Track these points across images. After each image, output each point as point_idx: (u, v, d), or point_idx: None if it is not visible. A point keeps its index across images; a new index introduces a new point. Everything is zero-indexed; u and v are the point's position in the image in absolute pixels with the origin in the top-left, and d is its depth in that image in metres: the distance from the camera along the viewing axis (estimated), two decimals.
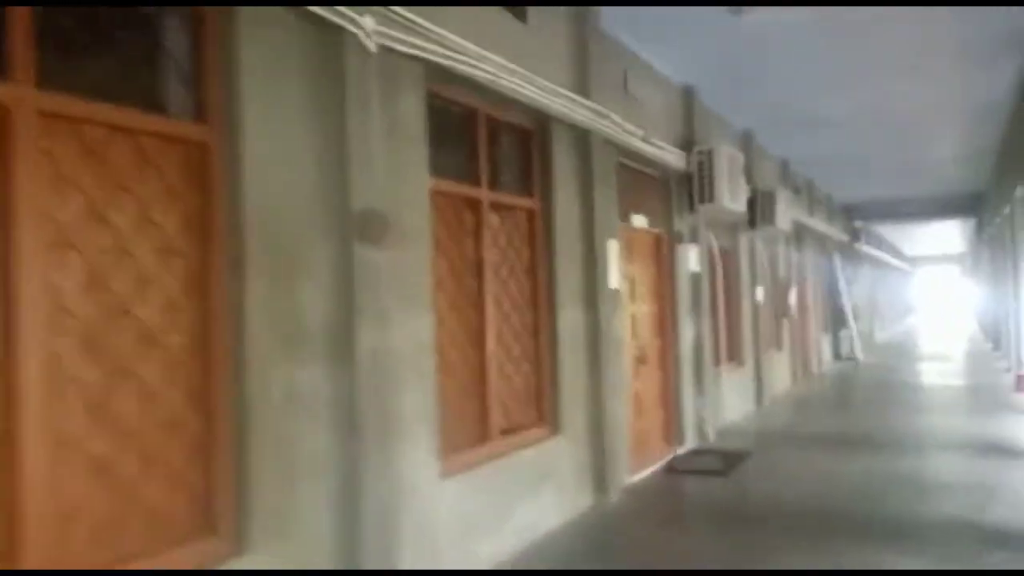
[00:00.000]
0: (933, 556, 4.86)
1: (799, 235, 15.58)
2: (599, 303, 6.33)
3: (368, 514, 3.73)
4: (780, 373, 13.04)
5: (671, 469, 7.54)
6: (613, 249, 6.76)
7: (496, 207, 5.49)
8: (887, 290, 33.82)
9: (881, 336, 27.96)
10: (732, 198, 8.65)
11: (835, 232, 19.13)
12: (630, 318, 7.66)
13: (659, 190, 8.44)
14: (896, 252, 37.61)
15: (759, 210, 11.15)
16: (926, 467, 7.28)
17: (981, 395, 12.20)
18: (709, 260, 9.79)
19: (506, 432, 5.38)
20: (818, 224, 16.56)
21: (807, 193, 16.28)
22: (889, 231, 29.64)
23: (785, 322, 13.66)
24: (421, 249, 4.35)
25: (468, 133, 5.19)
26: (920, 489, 6.48)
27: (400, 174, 4.20)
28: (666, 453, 8.02)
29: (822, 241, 18.08)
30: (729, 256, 10.89)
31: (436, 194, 4.67)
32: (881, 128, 11.72)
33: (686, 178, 8.61)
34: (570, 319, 6.03)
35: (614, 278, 6.73)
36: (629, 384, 7.44)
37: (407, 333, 4.17)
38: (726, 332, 10.57)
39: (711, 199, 8.50)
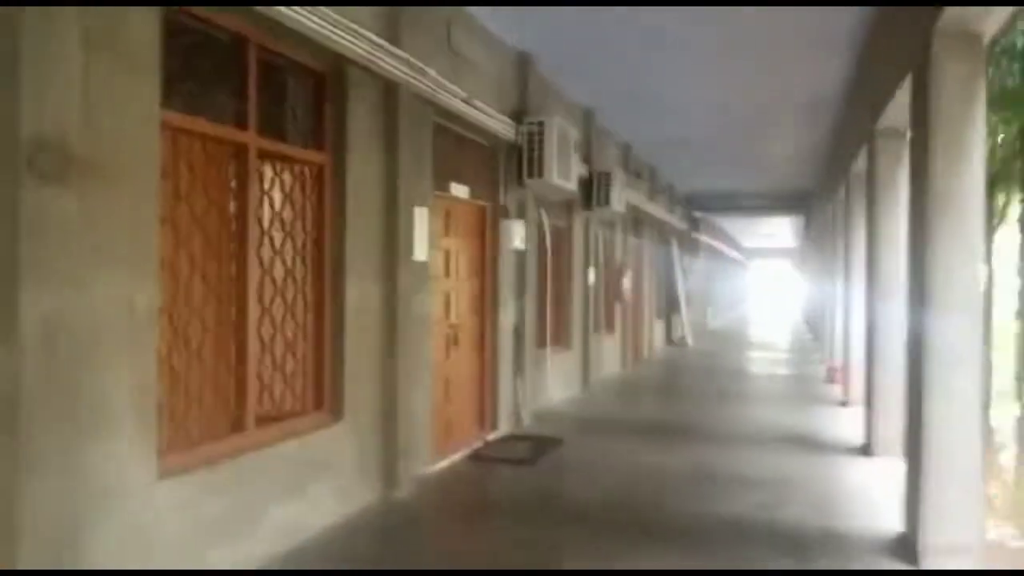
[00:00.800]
0: (719, 559, 4.60)
1: (637, 221, 15.60)
2: (399, 276, 5.68)
3: (36, 530, 2.91)
4: (610, 357, 12.95)
5: (478, 457, 7.04)
6: (422, 218, 6.12)
7: (271, 157, 4.70)
8: (723, 280, 35.36)
9: (714, 323, 29.11)
10: (562, 174, 8.23)
11: (674, 220, 19.44)
12: (443, 295, 7.08)
13: (486, 160, 7.88)
14: (734, 244, 39.41)
15: (595, 191, 10.88)
16: (733, 460, 7.18)
17: (797, 385, 12.61)
18: (539, 238, 9.37)
19: (272, 420, 4.64)
20: (657, 211, 16.68)
21: (648, 179, 16.34)
22: (728, 223, 30.88)
23: (618, 306, 13.59)
24: (142, 195, 3.52)
25: (233, 66, 4.36)
26: (723, 484, 6.32)
27: (114, 102, 3.35)
28: (476, 439, 7.52)
29: (661, 228, 18.30)
30: (561, 236, 10.55)
31: (175, 131, 3.85)
32: (724, 118, 11.72)
33: (515, 150, 8.10)
34: (362, 292, 5.34)
35: (421, 250, 6.10)
36: (438, 366, 6.87)
37: (111, 298, 3.35)
38: (554, 314, 10.23)
39: (540, 174, 8.04)
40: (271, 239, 4.70)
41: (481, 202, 7.76)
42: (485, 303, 7.89)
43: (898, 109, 6.26)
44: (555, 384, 9.78)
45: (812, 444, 7.90)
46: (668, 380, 13.60)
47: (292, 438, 4.69)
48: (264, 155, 4.60)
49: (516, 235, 8.17)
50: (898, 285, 7.23)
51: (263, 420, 4.57)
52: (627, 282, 13.75)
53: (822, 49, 8.02)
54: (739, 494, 6.01)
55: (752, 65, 8.69)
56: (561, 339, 10.53)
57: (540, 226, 9.32)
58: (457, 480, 6.37)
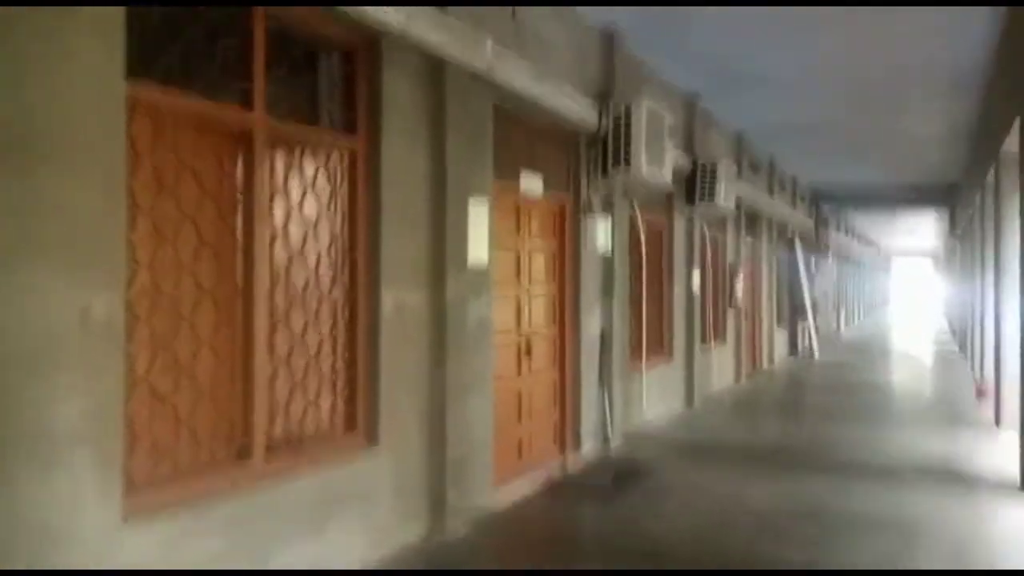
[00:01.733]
0: None
1: (753, 218, 14.32)
2: (449, 279, 4.97)
3: None
4: (720, 370, 11.80)
5: (552, 485, 6.24)
6: (480, 213, 5.41)
7: (287, 142, 4.10)
8: (857, 283, 32.83)
9: (847, 331, 26.94)
10: (654, 164, 7.30)
11: (798, 217, 17.89)
12: (512, 301, 6.33)
13: (564, 150, 7.07)
14: (870, 243, 36.61)
15: (699, 184, 9.85)
16: (855, 496, 6.04)
17: (940, 405, 11.04)
18: (630, 237, 8.46)
19: (290, 446, 4.03)
20: (777, 206, 15.30)
21: (767, 172, 15.01)
22: (863, 221, 28.55)
23: (730, 313, 12.41)
24: (102, 184, 2.96)
25: (234, 37, 3.78)
26: (839, 526, 5.24)
27: (59, 70, 2.81)
28: (554, 463, 6.72)
29: (782, 226, 16.84)
30: (659, 235, 9.57)
31: (150, 109, 3.29)
32: (852, 97, 10.35)
33: (599, 138, 7.25)
34: (402, 299, 4.67)
35: (479, 249, 5.39)
36: (507, 381, 6.13)
37: (58, 306, 2.80)
38: (650, 321, 9.26)
39: (627, 164, 7.15)
40: (288, 237, 4.09)
41: (559, 196, 6.96)
42: (564, 310, 7.07)
43: None
44: (651, 400, 8.82)
45: (955, 477, 6.61)
46: (787, 397, 12.27)
47: (313, 467, 4.07)
48: (278, 140, 4.00)
49: (600, 233, 7.31)
50: None
51: (278, 447, 3.96)
52: (740, 286, 12.55)
53: (963, 9, 6.72)
54: (857, 541, 4.93)
55: (883, 32, 7.45)
56: (659, 350, 9.55)
57: (631, 223, 8.41)
58: (521, 515, 5.59)
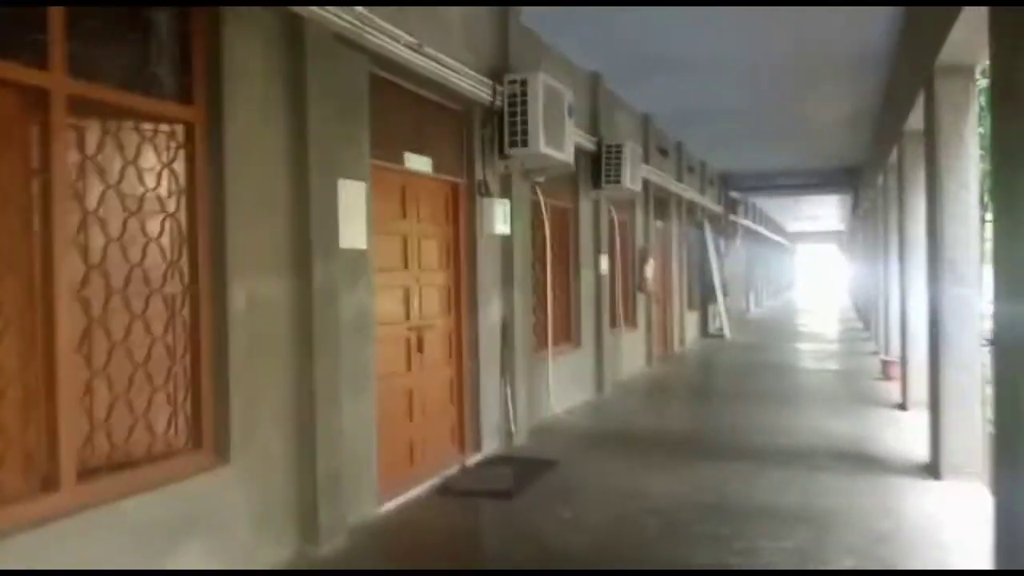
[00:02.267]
0: None
1: (662, 202, 14.15)
2: (316, 269, 4.40)
3: None
4: (632, 355, 11.54)
5: (447, 489, 5.75)
6: (355, 195, 4.85)
7: (101, 110, 3.45)
8: (765, 265, 33.53)
9: (757, 312, 27.41)
10: (553, 143, 6.86)
11: (708, 202, 17.90)
12: (400, 291, 5.80)
13: (456, 128, 6.56)
14: (777, 227, 37.47)
15: (604, 167, 9.49)
16: (765, 485, 5.78)
17: (847, 382, 11.04)
18: (535, 222, 8.04)
19: (110, 471, 3.41)
20: (686, 191, 15.19)
21: (675, 156, 14.86)
22: (770, 206, 29.07)
23: (640, 297, 12.17)
24: None
25: None
26: (749, 520, 4.93)
27: None
28: (452, 464, 6.23)
29: (691, 210, 16.78)
30: (564, 219, 9.19)
31: None
32: (759, 83, 10.24)
33: (494, 115, 6.76)
34: (258, 290, 4.08)
35: (355, 235, 4.83)
36: (394, 377, 5.61)
37: None
38: (557, 308, 8.88)
39: (523, 143, 6.69)
40: (105, 223, 3.45)
41: (451, 178, 6.45)
42: (460, 299, 6.58)
43: (964, 36, 4.80)
44: (559, 390, 8.44)
45: (864, 461, 6.44)
46: (698, 379, 12.12)
47: (146, 491, 3.45)
48: (88, 107, 3.35)
49: (498, 217, 6.83)
50: (971, 263, 5.73)
51: (98, 472, 3.34)
52: (650, 270, 12.32)
53: None
54: (769, 535, 4.63)
55: (788, 14, 7.20)
56: (567, 337, 9.18)
57: (534, 207, 7.98)
58: (408, 524, 5.07)
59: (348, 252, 4.77)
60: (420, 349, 5.96)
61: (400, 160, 5.66)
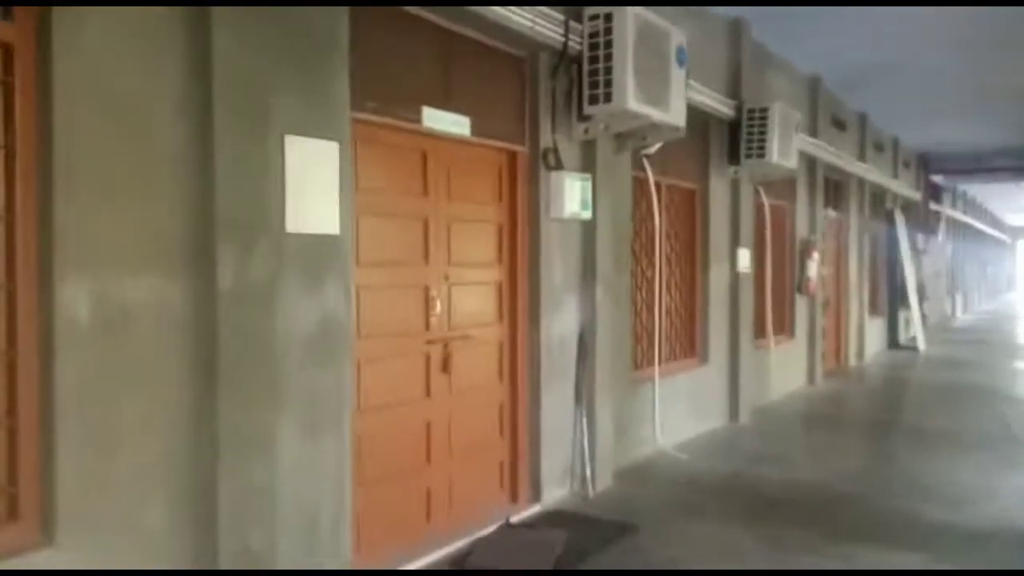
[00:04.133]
0: None
1: (839, 186, 11.76)
2: (223, 262, 3.05)
3: None
4: (785, 371, 9.43)
5: (459, 562, 4.25)
6: (315, 160, 3.47)
7: None
8: (977, 264, 28.93)
9: (964, 319, 23.46)
10: (648, 98, 5.15)
11: (901, 187, 15.02)
12: (421, 292, 4.38)
13: (513, 78, 5.02)
14: (993, 220, 32.37)
15: (744, 136, 7.55)
16: None
17: None
18: (641, 205, 6.35)
19: None
20: (871, 173, 12.60)
21: (858, 130, 12.35)
22: (985, 193, 24.79)
23: (800, 300, 9.98)
24: None
25: None
26: None
27: None
28: (496, 518, 4.74)
29: (879, 196, 14.07)
30: (687, 201, 7.36)
31: None
32: (965, 22, 7.83)
33: (570, 62, 5.17)
34: (118, 295, 2.80)
35: (315, 215, 3.47)
36: (407, 408, 4.22)
37: None
38: (674, 315, 7.10)
39: (606, 97, 5.04)
40: None
41: (503, 143, 4.93)
42: (516, 303, 5.06)
43: None
44: (671, 419, 6.68)
45: None
46: (873, 406, 9.71)
47: None
48: None
49: (573, 196, 5.22)
50: None
51: None
52: (815, 267, 10.09)
53: None
54: None
55: None
56: (687, 351, 7.37)
57: (637, 185, 6.27)
58: None
59: (302, 239, 3.40)
60: (446, 368, 4.51)
61: (415, 117, 4.21)
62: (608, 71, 5.03)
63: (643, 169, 6.37)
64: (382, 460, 4.08)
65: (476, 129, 4.63)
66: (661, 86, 5.28)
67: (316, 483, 3.50)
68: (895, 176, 14.78)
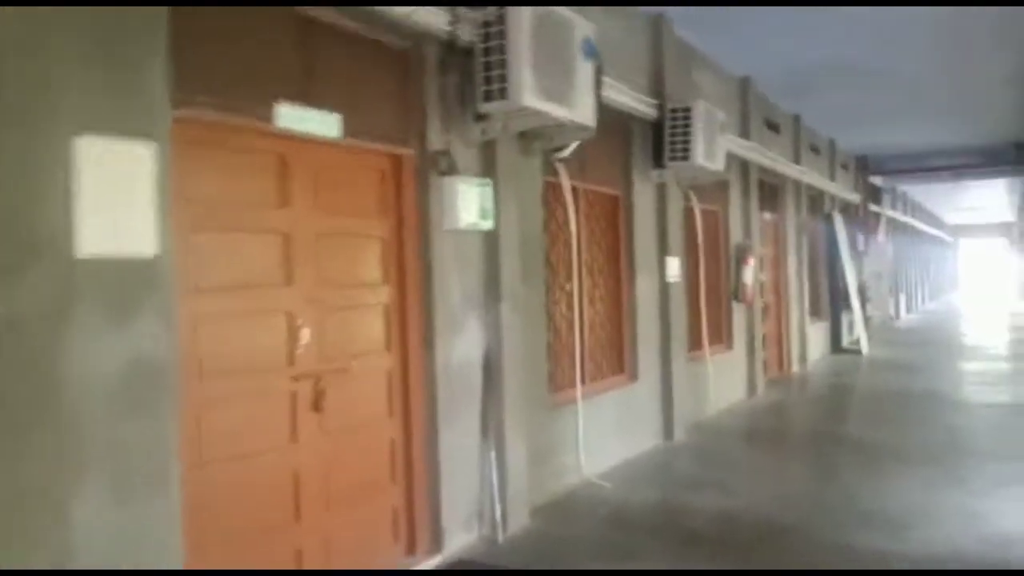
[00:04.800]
0: None
1: (774, 189, 11.44)
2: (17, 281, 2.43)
3: None
4: (724, 383, 8.99)
5: None
6: (118, 166, 2.84)
7: None
8: (919, 264, 29.24)
9: (908, 319, 23.57)
10: (549, 94, 4.62)
11: (839, 189, 14.84)
12: (283, 320, 3.77)
13: (396, 72, 4.45)
14: (934, 220, 32.85)
15: (668, 138, 7.10)
16: None
17: None
18: (560, 210, 5.84)
19: None
20: (807, 175, 12.34)
21: (792, 133, 12.09)
22: (924, 194, 25.00)
23: (736, 308, 9.58)
24: None
25: None
26: None
27: None
28: (396, 568, 4.13)
29: (817, 199, 13.86)
30: (609, 208, 6.87)
31: None
32: (899, 23, 7.53)
33: (460, 56, 4.63)
34: None
35: (119, 233, 2.84)
36: (267, 457, 3.60)
37: None
38: (596, 332, 6.59)
39: (501, 93, 4.50)
40: None
41: (385, 147, 4.35)
42: (407, 327, 4.47)
43: None
44: (596, 445, 6.16)
45: None
46: (815, 416, 9.30)
47: None
48: None
49: (469, 204, 4.66)
50: None
51: None
52: (751, 273, 9.71)
53: None
54: None
55: None
56: (615, 368, 6.86)
57: (548, 191, 5.76)
58: None
59: (102, 264, 2.77)
60: (318, 407, 3.89)
61: (265, 115, 3.61)
62: (503, 64, 4.49)
63: (556, 174, 5.85)
64: (232, 521, 3.45)
65: (349, 129, 4.04)
66: (564, 81, 4.76)
67: (132, 554, 2.85)
68: (833, 178, 14.60)
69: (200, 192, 3.35)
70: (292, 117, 3.72)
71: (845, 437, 7.66)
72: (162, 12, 3.01)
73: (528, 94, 4.46)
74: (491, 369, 4.89)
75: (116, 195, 2.83)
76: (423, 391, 4.51)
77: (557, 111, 4.72)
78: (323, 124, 3.90)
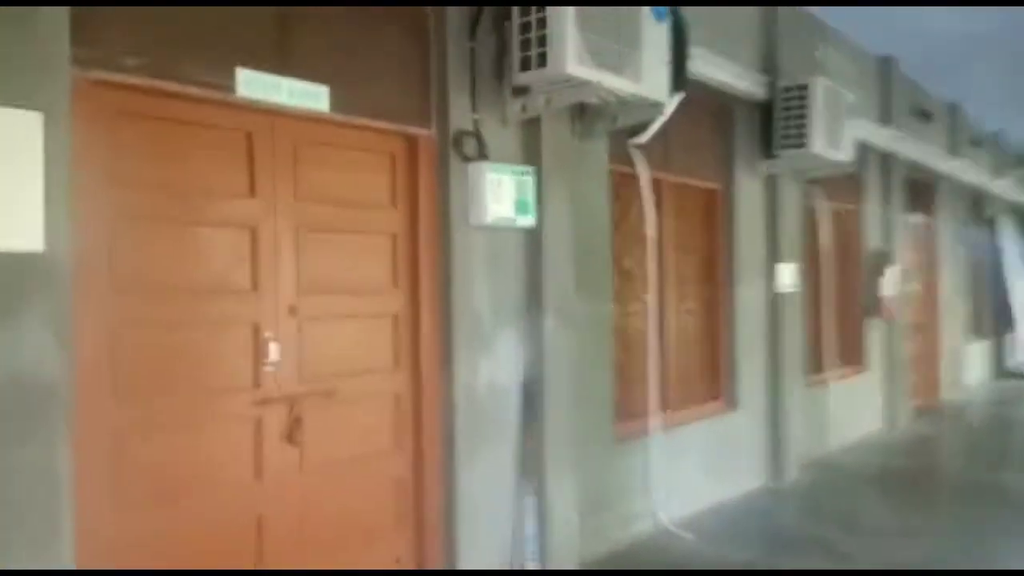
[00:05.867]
0: None
1: (925, 187, 9.86)
2: None
3: None
4: (854, 412, 7.65)
5: None
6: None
7: None
8: None
9: None
10: (604, 61, 3.73)
11: (1006, 189, 12.81)
12: (249, 330, 3.11)
13: (406, 37, 3.71)
14: None
15: (779, 123, 5.99)
16: None
17: None
18: (626, 207, 4.94)
19: None
20: (967, 172, 10.61)
21: (948, 123, 10.43)
22: None
23: (872, 325, 8.19)
24: None
25: None
26: None
27: None
28: None
29: (978, 201, 11.97)
30: (704, 204, 5.85)
31: None
32: None
33: (498, 16, 3.84)
34: None
35: None
36: (231, 499, 2.96)
37: None
38: (682, 351, 5.59)
39: (540, 60, 3.67)
40: None
41: (393, 125, 3.61)
42: (420, 342, 3.71)
43: None
44: (681, 484, 5.18)
45: None
46: (968, 458, 7.68)
47: None
48: None
49: (504, 195, 3.86)
50: None
51: None
52: (891, 285, 8.28)
53: None
54: None
55: None
56: (707, 395, 5.82)
57: (616, 180, 4.84)
58: None
59: None
60: (292, 438, 3.20)
61: (221, 82, 2.95)
62: (542, 23, 3.67)
63: (631, 163, 4.93)
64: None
65: (343, 103, 3.34)
66: (625, 47, 3.85)
67: None
68: (998, 175, 12.61)
69: (125, 174, 2.73)
70: (259, 85, 3.06)
71: (1005, 489, 6.19)
72: None
73: (572, 60, 3.60)
74: (531, 395, 4.05)
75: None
76: (439, 420, 3.73)
77: (614, 82, 3.82)
78: (304, 96, 3.22)
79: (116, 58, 2.63)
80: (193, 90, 2.86)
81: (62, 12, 2.42)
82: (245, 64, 3.01)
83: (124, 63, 2.65)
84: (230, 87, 2.97)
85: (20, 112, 2.33)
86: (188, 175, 2.93)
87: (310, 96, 3.23)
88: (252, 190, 3.12)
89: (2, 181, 2.29)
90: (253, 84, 3.04)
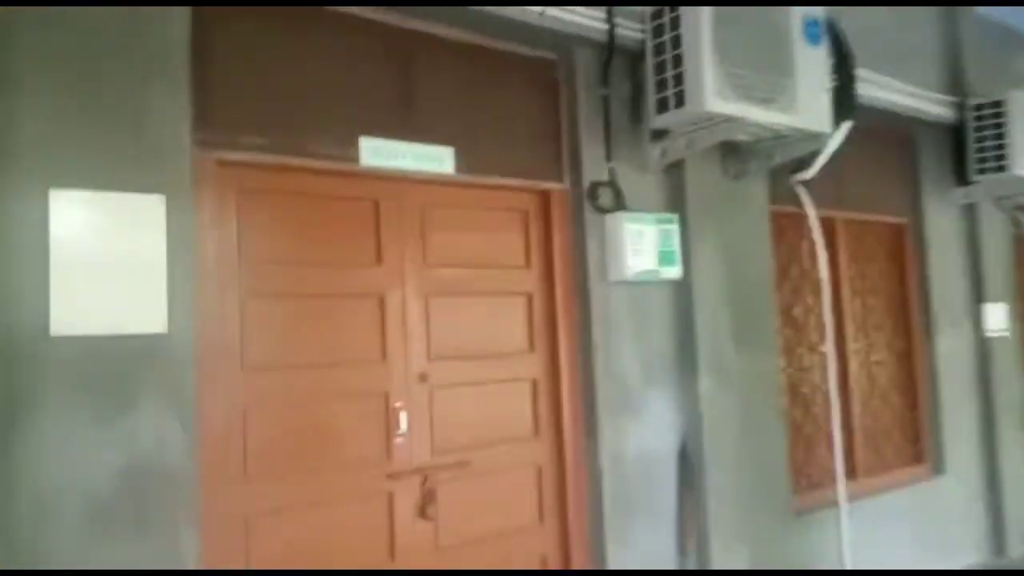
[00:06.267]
0: None
1: None
2: None
3: None
4: None
5: None
6: (116, 219, 2.38)
7: None
8: None
9: None
10: (750, 94, 3.41)
11: None
12: (377, 403, 3.04)
13: (538, 89, 3.58)
14: None
15: (972, 144, 5.29)
16: None
17: None
18: (805, 248, 4.50)
19: None
20: None
21: None
22: None
23: None
24: None
25: None
26: None
27: None
28: None
29: None
30: (887, 240, 5.22)
31: None
32: None
33: (630, 60, 3.65)
34: None
35: (101, 306, 2.36)
36: None
37: None
38: (870, 407, 4.94)
39: (678, 100, 3.41)
40: None
41: (524, 181, 3.47)
42: (562, 408, 3.48)
43: None
44: (880, 560, 4.51)
45: None
46: None
47: None
48: None
49: (645, 246, 3.58)
50: None
51: None
52: None
53: None
54: None
55: None
56: (905, 456, 5.09)
57: (789, 222, 4.40)
58: None
59: (87, 344, 2.28)
60: (425, 513, 3.06)
61: (346, 152, 2.95)
62: (678, 61, 3.42)
63: (798, 202, 4.48)
64: None
65: (468, 164, 3.25)
66: (772, 75, 3.51)
67: None
68: None
69: (250, 250, 2.77)
70: (382, 153, 3.03)
71: None
72: (180, 35, 2.51)
73: (712, 96, 3.31)
74: (689, 462, 3.68)
75: (112, 258, 2.33)
76: (585, 491, 3.46)
77: (763, 115, 3.48)
78: (428, 159, 3.16)
79: (237, 137, 2.68)
80: (316, 163, 2.88)
81: (183, 96, 2.51)
82: (367, 132, 3.00)
83: (245, 142, 2.70)
84: (353, 157, 2.96)
85: (142, 196, 2.41)
86: (314, 248, 2.93)
87: (434, 159, 3.17)
88: (379, 258, 3.08)
89: (126, 265, 2.36)
90: (376, 152, 3.02)
